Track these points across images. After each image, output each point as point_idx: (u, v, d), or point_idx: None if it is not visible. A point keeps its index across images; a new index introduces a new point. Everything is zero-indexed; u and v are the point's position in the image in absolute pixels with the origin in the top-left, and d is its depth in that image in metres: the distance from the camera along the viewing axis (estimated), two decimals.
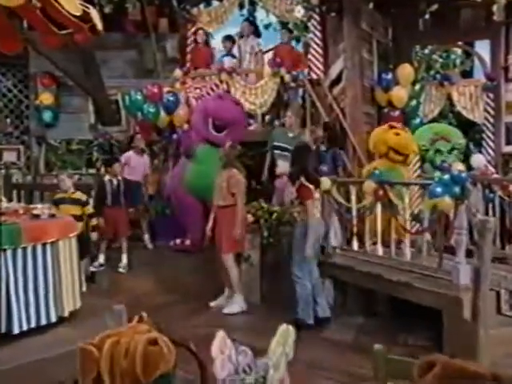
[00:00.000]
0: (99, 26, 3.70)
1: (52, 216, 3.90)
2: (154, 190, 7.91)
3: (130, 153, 7.46)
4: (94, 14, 3.62)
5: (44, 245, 3.60)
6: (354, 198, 5.03)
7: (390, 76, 7.24)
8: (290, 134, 6.69)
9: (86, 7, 3.52)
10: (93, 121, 9.16)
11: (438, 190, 3.75)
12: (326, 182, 5.10)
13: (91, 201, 6.06)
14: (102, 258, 6.47)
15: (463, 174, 3.73)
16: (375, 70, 7.60)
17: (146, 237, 7.42)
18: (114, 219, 6.32)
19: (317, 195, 4.64)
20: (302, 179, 4.49)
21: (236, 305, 5.03)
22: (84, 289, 4.54)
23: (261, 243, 5.40)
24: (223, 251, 5.03)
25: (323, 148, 6.59)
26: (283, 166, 6.20)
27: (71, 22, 3.74)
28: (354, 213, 5.05)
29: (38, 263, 3.57)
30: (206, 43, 8.52)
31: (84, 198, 5.74)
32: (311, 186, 4.52)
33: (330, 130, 6.70)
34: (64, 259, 3.79)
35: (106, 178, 6.52)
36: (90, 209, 5.75)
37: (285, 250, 5.18)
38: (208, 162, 6.41)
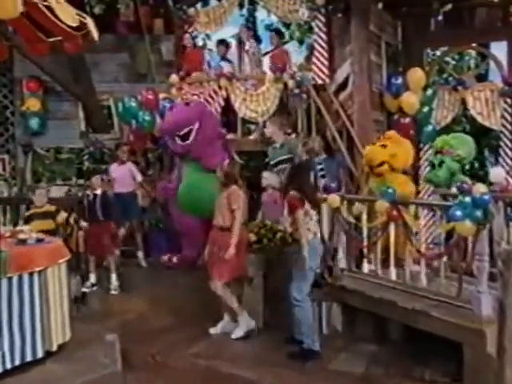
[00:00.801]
0: (95, 35, 3.74)
1: (40, 240, 3.83)
2: (147, 201, 7.85)
3: (113, 164, 7.48)
4: (90, 23, 3.66)
5: (31, 274, 3.54)
6: (364, 216, 4.96)
7: (399, 80, 7.20)
8: (276, 145, 6.70)
9: (83, 17, 3.51)
10: (83, 128, 9.12)
11: (458, 213, 3.67)
12: (334, 199, 5.06)
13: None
14: (93, 278, 6.42)
15: (486, 197, 3.63)
16: (384, 74, 7.59)
17: (140, 253, 7.37)
18: (96, 236, 6.28)
19: (312, 212, 4.59)
20: (293, 192, 4.46)
21: (243, 326, 4.97)
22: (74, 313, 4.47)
23: (264, 265, 5.32)
24: (215, 277, 4.89)
25: (323, 157, 6.62)
26: (270, 178, 6.23)
27: (62, 30, 3.71)
28: (365, 233, 4.98)
29: (24, 294, 3.50)
30: (195, 46, 8.55)
31: (52, 208, 5.80)
32: (300, 197, 4.49)
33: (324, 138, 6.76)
34: (53, 288, 3.73)
35: (87, 192, 6.53)
36: (62, 216, 5.69)
37: (289, 270, 4.96)
38: (190, 175, 6.47)
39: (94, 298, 6.08)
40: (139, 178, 7.48)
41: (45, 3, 3.18)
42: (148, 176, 8.18)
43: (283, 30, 9.23)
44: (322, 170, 6.52)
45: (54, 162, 9.80)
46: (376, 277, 4.90)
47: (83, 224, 6.22)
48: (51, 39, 4.16)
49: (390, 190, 4.66)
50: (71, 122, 9.10)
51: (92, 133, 9.03)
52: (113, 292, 6.30)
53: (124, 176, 7.29)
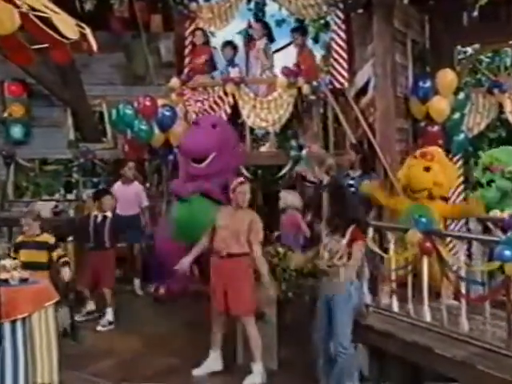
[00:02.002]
0: (94, 46, 3.76)
1: (23, 281, 3.71)
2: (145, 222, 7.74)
3: (118, 183, 7.42)
4: (88, 32, 3.68)
5: (14, 322, 3.43)
6: (392, 247, 4.84)
7: (427, 83, 7.07)
8: (330, 161, 6.60)
9: (82, 27, 3.52)
10: (72, 136, 9.06)
11: (507, 253, 3.51)
12: None
13: (68, 243, 5.96)
14: (91, 305, 6.38)
15: None
16: (410, 76, 7.46)
17: (137, 281, 7.27)
18: (96, 265, 6.17)
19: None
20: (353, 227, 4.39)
21: (259, 375, 4.88)
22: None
23: (278, 298, 5.23)
24: (241, 313, 4.85)
25: (357, 173, 6.53)
26: (289, 198, 6.20)
27: (49, 36, 3.61)
28: (394, 266, 4.86)
29: (5, 346, 3.39)
30: (206, 44, 8.42)
31: (52, 240, 5.62)
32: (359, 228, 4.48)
33: (360, 152, 6.65)
34: (39, 336, 3.64)
35: (94, 212, 6.34)
36: (59, 254, 5.60)
37: (307, 308, 5.05)
38: (195, 200, 6.38)
39: (86, 332, 5.97)
40: (145, 202, 7.40)
41: (41, 14, 3.08)
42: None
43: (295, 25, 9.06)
44: (351, 187, 6.39)
45: (39, 174, 9.77)
46: (408, 316, 4.75)
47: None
48: (36, 46, 4.06)
49: (424, 219, 4.53)
50: (59, 129, 9.06)
51: (82, 142, 8.97)
52: (100, 328, 6.16)
53: (129, 198, 7.23)
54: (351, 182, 6.42)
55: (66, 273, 5.55)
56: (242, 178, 5.25)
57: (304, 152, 6.95)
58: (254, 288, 4.92)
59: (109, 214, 6.33)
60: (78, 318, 6.12)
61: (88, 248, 6.19)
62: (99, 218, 6.29)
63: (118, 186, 7.36)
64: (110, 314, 6.24)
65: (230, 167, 6.70)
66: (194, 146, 6.43)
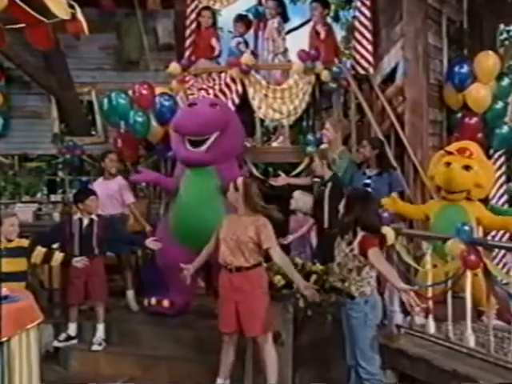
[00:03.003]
0: (85, 27, 3.80)
1: (3, 298, 3.64)
2: (140, 225, 7.64)
3: (99, 179, 7.37)
4: (79, 12, 3.71)
5: None
6: (429, 259, 4.77)
7: (465, 68, 7.09)
8: (334, 156, 6.59)
9: (72, 6, 3.55)
10: (57, 129, 9.05)
11: None
12: (389, 233, 4.89)
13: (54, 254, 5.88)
14: (72, 328, 6.25)
15: None
16: (445, 60, 7.47)
17: (130, 294, 7.18)
18: (85, 276, 6.09)
19: None
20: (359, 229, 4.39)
21: None
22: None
23: (294, 317, 5.19)
24: (257, 333, 4.80)
25: (374, 172, 6.48)
26: (301, 200, 6.21)
27: (27, 16, 3.57)
28: (430, 281, 4.80)
29: None
30: (213, 25, 8.42)
31: (25, 242, 5.62)
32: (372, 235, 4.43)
33: (377, 147, 6.57)
34: (19, 362, 3.57)
35: (76, 216, 6.27)
36: (39, 255, 5.59)
37: (329, 329, 4.99)
38: (192, 193, 6.26)
39: (71, 356, 5.93)
40: (131, 198, 7.29)
41: None
42: (140, 192, 8.09)
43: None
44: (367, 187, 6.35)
45: (19, 172, 9.67)
46: (447, 340, 4.70)
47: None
48: (10, 26, 4.00)
49: (467, 227, 4.46)
50: (41, 121, 9.08)
51: (68, 135, 8.96)
52: (96, 347, 6.09)
53: (111, 194, 7.11)
54: (367, 181, 6.36)
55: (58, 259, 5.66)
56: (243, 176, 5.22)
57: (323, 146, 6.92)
58: (270, 303, 4.85)
59: (95, 216, 6.26)
60: (55, 343, 6.08)
61: (73, 256, 6.06)
62: (85, 222, 6.21)
63: (98, 183, 7.28)
64: (101, 331, 6.18)
65: (234, 154, 6.60)
66: (193, 122, 6.23)
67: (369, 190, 6.23)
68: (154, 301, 6.63)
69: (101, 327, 6.19)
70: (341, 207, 4.64)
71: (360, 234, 4.37)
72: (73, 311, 6.22)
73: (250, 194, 4.87)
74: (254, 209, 4.84)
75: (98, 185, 7.26)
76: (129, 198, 7.27)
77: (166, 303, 6.55)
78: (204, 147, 6.21)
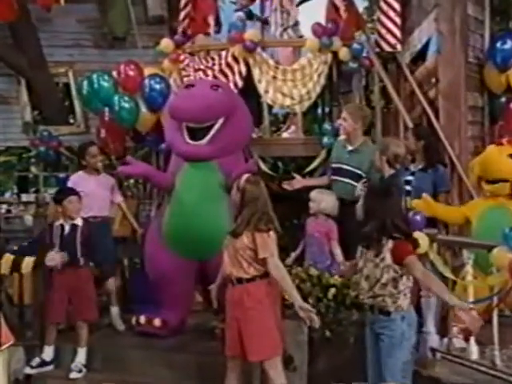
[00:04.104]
0: None
1: None
2: (126, 230, 7.71)
3: (79, 173, 7.31)
4: None
5: None
6: (470, 270, 4.74)
7: (510, 44, 7.12)
8: (349, 147, 6.60)
9: None
10: (28, 117, 9.09)
11: None
12: (421, 239, 4.88)
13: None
14: (48, 353, 6.20)
15: None
16: (487, 35, 7.49)
17: (115, 311, 7.19)
18: (68, 290, 6.08)
19: None
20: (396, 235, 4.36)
21: None
22: None
23: (309, 338, 5.20)
24: (262, 357, 4.75)
25: (418, 167, 6.48)
26: (323, 200, 6.19)
27: None
28: (472, 297, 4.78)
29: None
30: None
31: None
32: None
33: (423, 139, 6.54)
34: None
35: (58, 221, 6.28)
36: (7, 263, 5.53)
37: (350, 352, 5.03)
38: (191, 191, 6.25)
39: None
40: (119, 198, 7.32)
41: None
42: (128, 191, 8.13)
43: None
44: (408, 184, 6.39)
45: None
46: (492, 367, 4.66)
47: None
48: None
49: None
50: (10, 107, 9.12)
51: (42, 124, 8.98)
52: (75, 375, 6.04)
53: (96, 193, 7.07)
54: (409, 177, 6.37)
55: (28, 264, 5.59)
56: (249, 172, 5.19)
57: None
58: (279, 321, 4.82)
59: (79, 221, 6.24)
60: (27, 370, 6.02)
61: (55, 268, 6.02)
62: (67, 228, 6.19)
63: (81, 177, 7.19)
64: (82, 356, 6.15)
65: (241, 145, 6.62)
66: (194, 105, 6.18)
67: (408, 188, 6.30)
68: (143, 319, 6.61)
69: (82, 352, 6.16)
70: (358, 210, 4.62)
71: (388, 241, 4.34)
72: (51, 332, 6.18)
73: (246, 200, 4.82)
74: (248, 220, 4.77)
75: (81, 181, 7.16)
76: (118, 197, 7.29)
77: (157, 322, 6.54)
78: (206, 139, 6.21)
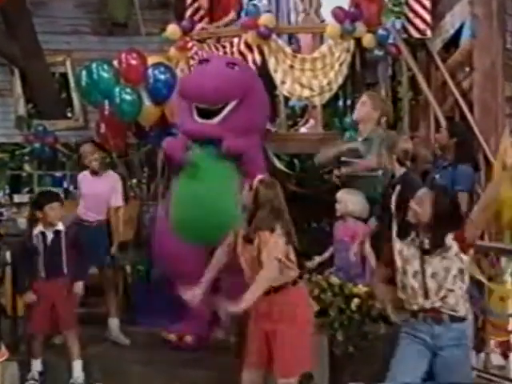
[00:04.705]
0: None
1: None
2: (129, 232, 7.79)
3: (84, 172, 7.36)
4: None
5: None
6: (510, 280, 4.72)
7: None
8: (359, 139, 6.68)
9: None
10: (22, 111, 9.13)
11: None
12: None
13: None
14: (37, 367, 6.20)
15: None
16: None
17: (114, 323, 7.21)
18: (51, 301, 6.08)
19: None
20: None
21: None
22: None
23: (331, 354, 5.21)
24: (290, 374, 4.66)
25: (443, 164, 6.50)
26: (351, 201, 6.17)
27: None
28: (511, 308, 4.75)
29: None
30: None
31: None
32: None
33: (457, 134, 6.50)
34: None
35: (37, 229, 6.25)
36: None
37: (377, 370, 4.85)
38: (202, 174, 6.32)
39: None
40: (119, 201, 7.26)
41: None
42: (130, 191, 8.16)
43: None
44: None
45: None
46: None
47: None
48: None
49: None
50: (2, 100, 9.17)
51: (37, 118, 9.01)
52: None
53: (100, 195, 7.12)
54: (438, 175, 6.39)
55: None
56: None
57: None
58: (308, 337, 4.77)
59: (60, 226, 6.24)
60: None
61: (39, 278, 6.08)
62: (50, 236, 6.18)
63: (84, 177, 7.25)
64: (79, 370, 6.11)
65: (256, 130, 6.61)
66: (207, 85, 6.23)
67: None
68: (173, 337, 6.65)
69: (78, 365, 6.13)
70: (421, 214, 4.53)
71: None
72: (37, 344, 6.19)
73: (259, 202, 4.77)
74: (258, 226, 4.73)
75: (86, 182, 7.25)
76: (118, 200, 7.25)
77: (189, 339, 6.57)
78: (216, 119, 6.25)
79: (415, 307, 4.22)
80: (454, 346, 4.17)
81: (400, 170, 5.98)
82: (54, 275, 6.08)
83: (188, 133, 6.48)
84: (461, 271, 4.20)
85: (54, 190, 8.01)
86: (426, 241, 4.24)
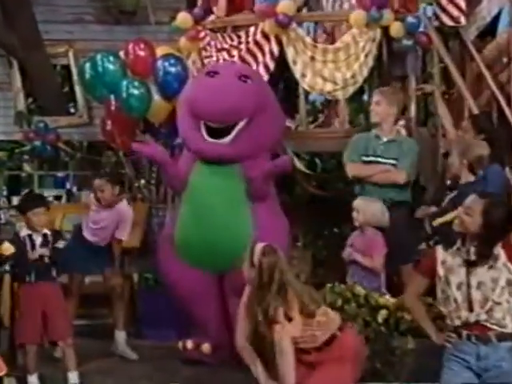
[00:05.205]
0: None
1: None
2: (136, 238, 7.81)
3: (92, 207, 7.33)
4: None
5: None
6: None
7: None
8: (383, 139, 6.64)
9: None
10: (21, 106, 9.14)
11: None
12: None
13: None
14: (33, 380, 6.22)
15: None
16: None
17: (121, 336, 7.22)
18: (41, 307, 6.14)
19: None
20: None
21: None
22: None
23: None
24: None
25: None
26: (369, 210, 6.17)
27: None
28: None
29: None
30: None
31: None
32: None
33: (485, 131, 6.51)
34: None
35: (23, 232, 6.36)
36: None
37: None
38: (207, 195, 6.32)
39: None
40: (124, 234, 7.22)
41: None
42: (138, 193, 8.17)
43: None
44: None
45: None
46: None
47: None
48: None
49: None
50: (0, 94, 9.19)
51: (37, 114, 9.06)
52: None
53: (106, 228, 7.17)
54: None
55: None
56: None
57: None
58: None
59: (46, 229, 6.31)
60: None
61: (27, 282, 6.15)
62: (38, 240, 6.22)
63: (94, 214, 7.23)
64: (75, 380, 6.16)
65: (268, 145, 6.59)
66: (218, 103, 6.18)
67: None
68: (190, 344, 6.63)
69: (74, 376, 6.17)
70: (470, 224, 4.49)
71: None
72: (30, 357, 6.20)
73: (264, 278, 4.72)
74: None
75: (93, 216, 7.26)
76: (123, 234, 7.24)
77: (206, 348, 6.54)
78: (228, 138, 6.22)
79: (458, 322, 4.18)
80: (502, 364, 4.12)
81: (469, 178, 6.06)
82: (42, 279, 6.14)
83: (199, 153, 6.44)
84: (509, 282, 4.16)
85: (39, 193, 8.24)
86: (473, 250, 4.24)
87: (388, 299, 5.37)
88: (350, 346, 4.64)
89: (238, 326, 4.86)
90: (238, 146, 6.17)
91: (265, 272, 4.66)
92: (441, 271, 4.24)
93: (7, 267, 6.42)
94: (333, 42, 7.45)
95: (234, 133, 6.19)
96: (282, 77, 7.45)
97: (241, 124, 6.19)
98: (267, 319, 4.58)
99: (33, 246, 6.22)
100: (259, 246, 4.80)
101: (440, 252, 4.32)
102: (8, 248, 5.90)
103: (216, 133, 6.21)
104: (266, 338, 4.63)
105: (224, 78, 6.40)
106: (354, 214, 6.18)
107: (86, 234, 7.03)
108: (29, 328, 6.13)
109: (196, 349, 6.59)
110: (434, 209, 6.36)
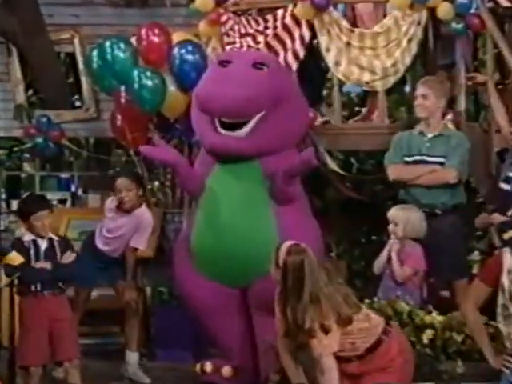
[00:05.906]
0: None
1: None
2: (150, 247, 7.85)
3: (108, 214, 7.42)
4: None
5: None
6: None
7: None
8: (428, 135, 6.63)
9: None
10: (21, 98, 9.20)
11: None
12: None
13: None
14: None
15: None
16: None
17: (133, 357, 7.24)
18: (47, 322, 6.14)
19: None
20: None
21: None
22: None
23: None
24: None
25: None
26: (410, 222, 6.18)
27: None
28: None
29: None
30: None
31: None
32: None
33: None
34: None
35: (27, 237, 6.38)
36: None
37: None
38: (225, 199, 6.36)
39: None
40: (142, 243, 7.29)
41: None
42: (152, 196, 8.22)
43: None
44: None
45: None
46: None
47: None
48: None
49: None
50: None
51: (39, 108, 9.15)
52: None
53: (122, 236, 7.24)
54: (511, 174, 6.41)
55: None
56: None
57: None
58: None
59: (51, 234, 6.35)
60: None
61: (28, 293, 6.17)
62: (44, 244, 6.25)
63: (111, 211, 7.31)
64: None
65: (291, 141, 6.60)
66: (228, 97, 6.17)
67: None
68: (209, 367, 6.62)
69: None
70: None
71: None
72: (35, 380, 6.20)
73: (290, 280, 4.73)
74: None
75: (111, 220, 7.34)
76: (139, 242, 7.29)
77: (226, 372, 6.53)
78: (244, 130, 6.24)
79: None
80: None
81: None
82: (49, 288, 6.15)
83: (211, 147, 6.48)
84: None
85: (40, 193, 8.36)
86: None
87: (435, 317, 5.36)
88: (396, 354, 4.65)
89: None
90: (256, 139, 6.19)
91: (290, 273, 4.64)
92: (506, 282, 4.19)
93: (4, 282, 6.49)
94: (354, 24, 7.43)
95: (250, 124, 6.21)
96: (313, 65, 7.40)
97: (258, 116, 6.20)
98: (301, 329, 4.57)
99: (37, 253, 6.26)
100: (285, 245, 4.80)
101: (508, 258, 4.26)
102: (16, 257, 6.00)
103: (231, 126, 6.24)
104: (304, 349, 4.70)
105: (236, 66, 6.41)
106: (391, 227, 6.16)
107: (98, 243, 7.08)
108: (33, 348, 6.12)
109: (215, 372, 6.58)
110: (498, 217, 6.33)
